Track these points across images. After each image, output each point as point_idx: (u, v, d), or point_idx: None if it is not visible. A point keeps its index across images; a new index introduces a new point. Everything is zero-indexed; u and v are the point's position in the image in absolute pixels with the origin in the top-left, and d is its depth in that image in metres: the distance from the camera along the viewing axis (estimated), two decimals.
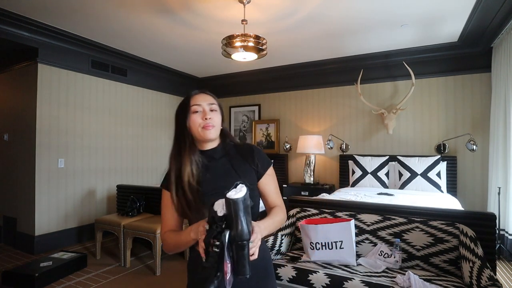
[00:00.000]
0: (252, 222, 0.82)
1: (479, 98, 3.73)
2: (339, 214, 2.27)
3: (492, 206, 3.34)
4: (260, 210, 1.16)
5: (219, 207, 0.76)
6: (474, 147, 3.48)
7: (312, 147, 4.24)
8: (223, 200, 0.76)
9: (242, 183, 0.77)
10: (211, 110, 1.03)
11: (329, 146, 4.41)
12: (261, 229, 0.85)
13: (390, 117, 4.01)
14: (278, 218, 1.01)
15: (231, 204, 0.73)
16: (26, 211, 3.43)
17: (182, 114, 1.02)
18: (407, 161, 3.72)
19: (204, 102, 1.02)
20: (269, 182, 1.07)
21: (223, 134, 1.09)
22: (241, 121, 5.44)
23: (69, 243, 3.68)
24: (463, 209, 2.96)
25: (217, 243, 0.72)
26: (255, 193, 1.03)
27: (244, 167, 1.02)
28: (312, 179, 4.40)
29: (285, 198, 2.92)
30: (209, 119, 1.00)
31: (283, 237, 2.21)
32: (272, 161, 1.08)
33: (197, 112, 1.01)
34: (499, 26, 3.07)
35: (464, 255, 1.77)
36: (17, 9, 2.91)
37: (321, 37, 3.57)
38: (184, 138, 1.02)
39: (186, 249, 3.16)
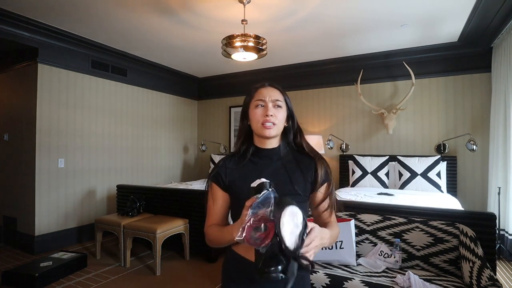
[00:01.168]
0: (310, 224, 0.74)
1: (479, 98, 3.73)
2: (339, 214, 2.26)
3: (492, 206, 3.34)
4: None
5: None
6: (474, 147, 3.48)
7: None
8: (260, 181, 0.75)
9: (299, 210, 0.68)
10: (275, 106, 0.97)
11: (329, 146, 4.41)
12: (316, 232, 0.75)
13: (390, 117, 4.01)
14: (334, 232, 0.91)
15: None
16: (26, 211, 3.43)
17: (245, 106, 1.01)
18: (407, 161, 3.72)
19: (268, 98, 0.97)
20: (323, 197, 0.98)
21: (286, 132, 1.02)
22: None
23: (69, 243, 3.68)
24: (463, 209, 2.96)
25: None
26: (305, 205, 0.96)
27: (299, 175, 0.95)
28: None
29: None
30: (270, 116, 0.95)
31: None
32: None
33: (259, 106, 0.97)
34: (499, 26, 3.07)
35: (464, 255, 1.77)
36: (17, 9, 2.91)
37: (321, 37, 3.57)
38: (242, 131, 1.02)
39: (187, 249, 3.17)
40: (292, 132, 1.02)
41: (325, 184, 0.98)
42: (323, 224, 0.94)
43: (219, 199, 0.99)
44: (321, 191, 0.97)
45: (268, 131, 0.95)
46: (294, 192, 0.92)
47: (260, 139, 1.00)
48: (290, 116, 1.02)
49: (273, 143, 1.00)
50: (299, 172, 0.96)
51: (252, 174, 0.93)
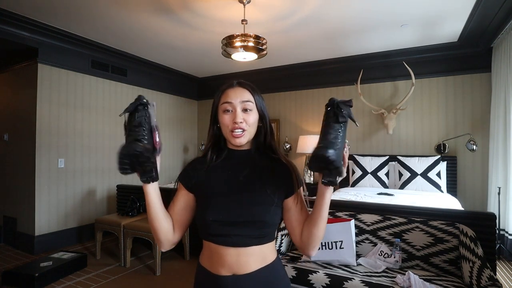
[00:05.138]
0: None
1: (479, 98, 3.73)
2: (339, 214, 2.27)
3: (492, 206, 3.34)
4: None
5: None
6: (474, 147, 3.48)
7: (312, 147, 4.23)
8: None
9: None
10: (245, 110, 0.89)
11: None
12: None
13: (390, 117, 4.01)
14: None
15: None
16: (26, 211, 3.43)
17: (213, 109, 0.94)
18: (407, 161, 3.72)
19: (236, 100, 0.88)
20: (302, 198, 0.94)
21: (258, 132, 0.94)
22: None
23: (69, 243, 3.67)
24: (463, 209, 2.96)
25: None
26: (277, 210, 0.90)
27: (271, 179, 0.90)
28: (312, 179, 4.39)
29: None
30: (239, 123, 0.87)
31: (283, 237, 2.22)
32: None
33: (227, 111, 0.89)
34: (499, 26, 3.07)
35: (464, 255, 1.77)
36: (17, 9, 2.91)
37: (321, 37, 3.57)
38: (213, 136, 0.95)
39: (187, 249, 3.17)
40: (263, 132, 0.94)
41: (301, 187, 0.94)
42: (303, 221, 0.91)
43: (180, 197, 0.94)
44: (301, 194, 0.93)
45: (238, 140, 0.88)
46: (265, 194, 0.88)
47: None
48: (262, 117, 0.93)
49: (246, 145, 0.94)
50: (271, 176, 0.91)
51: (221, 175, 0.92)
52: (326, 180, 0.79)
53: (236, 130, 0.87)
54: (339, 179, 0.78)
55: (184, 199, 0.94)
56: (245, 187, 0.89)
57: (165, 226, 0.89)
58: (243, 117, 0.87)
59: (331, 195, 0.82)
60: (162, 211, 0.88)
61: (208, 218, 0.86)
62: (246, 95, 0.90)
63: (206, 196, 0.90)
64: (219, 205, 0.87)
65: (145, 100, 0.81)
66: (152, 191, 0.84)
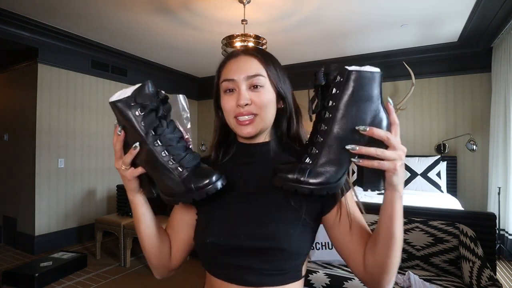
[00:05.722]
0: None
1: (479, 98, 3.73)
2: None
3: (492, 206, 3.34)
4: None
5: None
6: (474, 147, 3.48)
7: None
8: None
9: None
10: (253, 87, 0.63)
11: None
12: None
13: None
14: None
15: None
16: (26, 211, 3.43)
17: (214, 90, 0.71)
18: (407, 161, 3.72)
19: (240, 75, 0.62)
20: (354, 210, 0.66)
21: (280, 117, 0.68)
22: None
23: (69, 243, 3.67)
24: (463, 209, 2.96)
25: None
26: (308, 231, 0.62)
27: None
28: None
29: None
30: (244, 106, 0.61)
31: None
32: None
33: (229, 91, 0.64)
34: (499, 26, 3.07)
35: (464, 255, 1.77)
36: (17, 9, 2.90)
37: (321, 37, 3.57)
38: (218, 126, 0.71)
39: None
40: (286, 117, 0.69)
41: (349, 192, 0.67)
42: (363, 242, 0.65)
43: (179, 211, 0.73)
44: (348, 202, 0.65)
45: (245, 129, 0.62)
46: (288, 207, 0.61)
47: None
48: (281, 96, 0.67)
49: (262, 136, 0.68)
50: None
51: (229, 181, 0.62)
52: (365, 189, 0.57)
53: (241, 117, 0.62)
54: (378, 184, 0.54)
55: (184, 214, 0.71)
56: (259, 197, 0.64)
57: (160, 248, 0.69)
58: (250, 97, 0.62)
59: (401, 201, 0.54)
60: (156, 227, 0.67)
61: (205, 240, 0.62)
62: (254, 66, 0.64)
63: (205, 210, 0.67)
64: (220, 223, 0.62)
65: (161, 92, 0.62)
66: (143, 200, 0.65)
